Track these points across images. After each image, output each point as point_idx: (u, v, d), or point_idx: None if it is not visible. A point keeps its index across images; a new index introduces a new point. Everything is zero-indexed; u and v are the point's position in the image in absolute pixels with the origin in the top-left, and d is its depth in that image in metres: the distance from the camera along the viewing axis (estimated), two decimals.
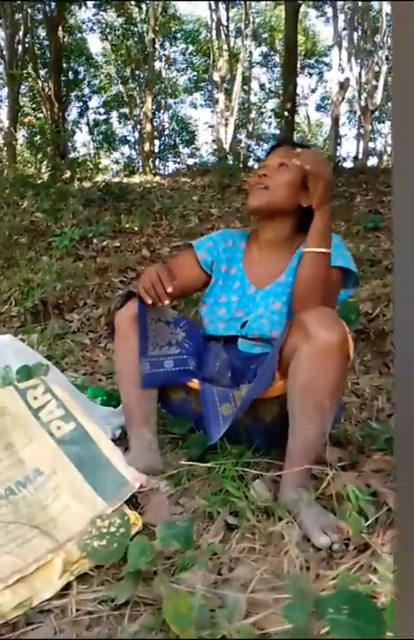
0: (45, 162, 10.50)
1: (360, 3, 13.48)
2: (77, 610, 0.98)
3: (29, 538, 1.14)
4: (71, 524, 1.17)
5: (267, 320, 1.53)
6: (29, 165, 15.20)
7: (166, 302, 1.38)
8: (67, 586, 1.06)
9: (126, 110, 20.66)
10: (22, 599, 0.99)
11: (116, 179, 8.33)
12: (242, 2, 16.32)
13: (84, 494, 1.21)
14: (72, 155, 13.99)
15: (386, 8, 15.84)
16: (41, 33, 13.73)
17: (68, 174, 7.70)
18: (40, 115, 15.06)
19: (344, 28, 13.70)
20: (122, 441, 1.66)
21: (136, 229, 5.00)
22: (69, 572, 1.10)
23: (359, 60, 14.41)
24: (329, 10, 15.29)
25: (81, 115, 21.57)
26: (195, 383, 1.52)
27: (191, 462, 1.43)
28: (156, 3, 15.07)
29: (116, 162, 21.71)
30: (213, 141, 18.58)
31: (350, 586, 0.99)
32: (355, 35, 13.88)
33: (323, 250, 1.38)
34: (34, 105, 16.37)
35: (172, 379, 1.52)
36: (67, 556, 1.11)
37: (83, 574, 1.10)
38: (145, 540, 1.10)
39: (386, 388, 2.21)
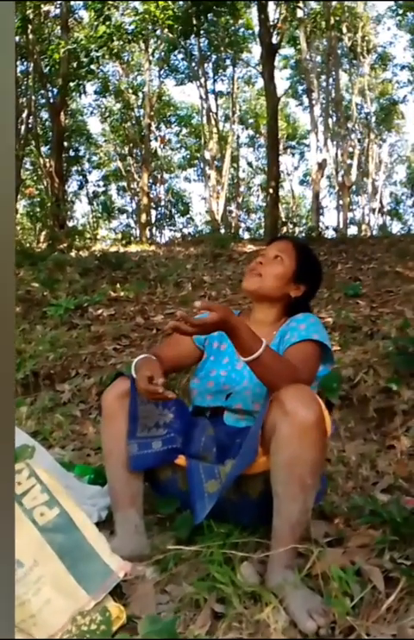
0: (44, 232, 10.68)
1: (333, 95, 14.30)
2: None
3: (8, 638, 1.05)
4: (52, 620, 1.08)
5: (250, 392, 1.53)
6: (29, 234, 15.52)
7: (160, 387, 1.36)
8: None
9: (124, 184, 21.35)
10: None
11: (114, 249, 8.47)
12: (230, 92, 17.30)
13: (66, 587, 1.13)
14: (71, 224, 14.30)
15: (356, 99, 16.96)
16: (44, 115, 14.34)
17: (66, 243, 7.80)
18: (41, 187, 15.51)
19: (320, 115, 14.49)
20: (107, 524, 1.57)
21: (131, 296, 5.02)
22: None
23: (334, 143, 15.21)
24: (306, 100, 16.22)
25: (81, 187, 22.27)
26: (182, 459, 1.48)
27: (178, 547, 1.35)
28: (151, 93, 15.91)
29: (114, 231, 22.22)
30: (206, 211, 19.18)
31: None
32: (330, 122, 14.71)
33: (255, 356, 1.31)
34: (35, 178, 16.90)
35: (160, 459, 1.48)
36: None
37: None
38: (127, 637, 1.02)
39: (370, 456, 2.15)
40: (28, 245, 8.39)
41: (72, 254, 7.12)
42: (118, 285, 5.33)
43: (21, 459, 1.30)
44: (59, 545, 1.17)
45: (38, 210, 16.86)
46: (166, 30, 11.46)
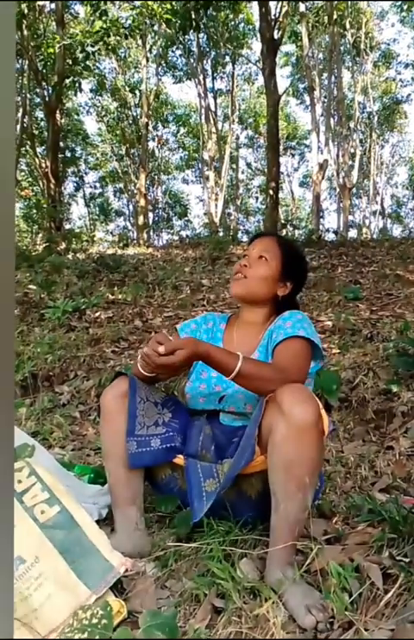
0: (40, 234, 10.69)
1: (335, 92, 14.36)
2: None
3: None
4: (53, 615, 1.12)
5: (243, 395, 1.56)
6: (25, 236, 15.57)
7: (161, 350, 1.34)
8: None
9: (121, 185, 21.44)
10: None
11: (111, 251, 8.53)
12: (229, 90, 17.39)
13: (67, 582, 1.17)
14: (67, 227, 14.34)
15: (359, 98, 17.03)
16: (39, 114, 14.38)
17: (63, 246, 7.86)
18: (37, 188, 15.55)
19: (322, 115, 14.57)
20: (108, 521, 1.62)
21: (129, 299, 5.07)
22: None
23: (336, 143, 15.30)
24: (307, 99, 16.31)
25: (77, 189, 22.40)
26: (180, 459, 1.52)
27: (178, 543, 1.40)
28: (148, 91, 15.99)
29: (111, 234, 22.31)
30: (204, 214, 19.23)
31: None
32: (332, 121, 14.79)
33: (234, 373, 1.35)
34: (31, 180, 16.95)
35: (158, 457, 1.51)
36: None
37: None
38: (127, 631, 1.06)
39: (369, 456, 2.20)
40: (24, 247, 8.44)
41: (69, 256, 7.18)
42: (116, 288, 5.39)
43: (21, 457, 1.34)
44: (59, 542, 1.22)
45: (34, 212, 16.95)
46: (163, 25, 11.50)
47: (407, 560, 1.29)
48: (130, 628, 1.12)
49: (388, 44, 19.94)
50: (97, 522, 1.46)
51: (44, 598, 1.14)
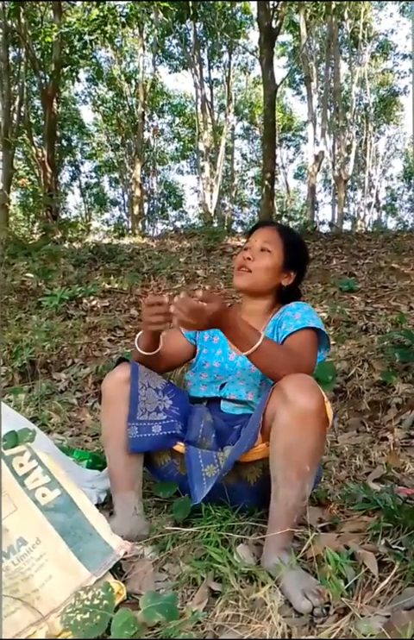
0: (37, 223, 10.62)
1: (332, 83, 14.27)
2: None
3: (12, 611, 1.11)
4: (54, 595, 1.13)
5: (244, 382, 1.57)
6: (22, 225, 15.50)
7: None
8: None
9: (116, 175, 21.32)
10: None
11: (106, 241, 8.51)
12: (226, 78, 17.25)
13: (68, 564, 1.18)
14: (64, 216, 14.28)
15: (356, 89, 16.93)
16: (36, 103, 14.25)
17: (59, 235, 7.84)
18: (34, 177, 15.44)
19: (318, 106, 14.49)
20: (107, 505, 1.63)
21: (125, 289, 5.08)
22: None
23: (332, 135, 15.24)
24: (303, 90, 16.20)
25: (73, 178, 22.25)
26: (180, 446, 1.52)
27: (176, 528, 1.41)
28: (144, 80, 15.85)
29: (107, 223, 22.22)
30: (199, 204, 19.17)
31: None
32: (328, 113, 14.73)
33: (254, 348, 1.34)
34: (27, 169, 16.83)
35: (159, 443, 1.52)
36: (50, 630, 1.08)
37: None
38: (128, 612, 1.08)
39: (363, 447, 2.22)
40: (21, 236, 8.40)
41: (66, 245, 7.17)
42: (112, 277, 5.39)
43: (22, 442, 1.36)
44: (60, 524, 1.23)
45: (31, 200, 16.84)
46: (160, 14, 11.35)
47: (403, 548, 1.30)
48: (130, 609, 1.13)
49: (386, 35, 19.77)
50: (96, 506, 1.48)
51: (45, 578, 1.15)
